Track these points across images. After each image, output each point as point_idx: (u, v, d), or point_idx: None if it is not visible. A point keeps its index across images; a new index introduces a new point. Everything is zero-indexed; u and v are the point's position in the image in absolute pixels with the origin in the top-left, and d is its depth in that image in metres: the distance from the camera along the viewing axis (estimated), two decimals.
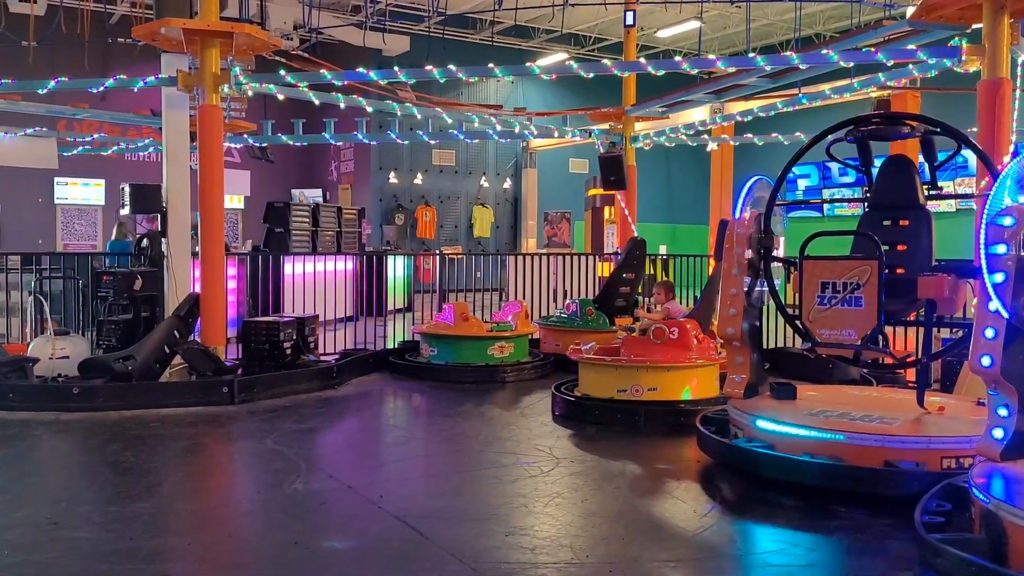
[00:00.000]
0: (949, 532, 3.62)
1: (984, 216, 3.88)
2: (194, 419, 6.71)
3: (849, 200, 19.33)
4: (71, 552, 3.82)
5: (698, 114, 14.87)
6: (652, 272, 12.99)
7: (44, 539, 3.95)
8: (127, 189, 8.95)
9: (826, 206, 20.22)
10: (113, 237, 13.34)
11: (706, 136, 15.12)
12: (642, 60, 13.38)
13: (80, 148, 14.67)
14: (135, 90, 9.32)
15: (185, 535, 4.19)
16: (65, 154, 14.81)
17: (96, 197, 20.53)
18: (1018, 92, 7.68)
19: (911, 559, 3.70)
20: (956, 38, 7.97)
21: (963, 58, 7.79)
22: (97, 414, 6.78)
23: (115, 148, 15.23)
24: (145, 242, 9.14)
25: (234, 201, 21.03)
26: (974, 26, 7.85)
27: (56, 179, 19.64)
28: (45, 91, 9.18)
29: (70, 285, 9.30)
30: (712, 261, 12.71)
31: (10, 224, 19.53)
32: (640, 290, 10.25)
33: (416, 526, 4.14)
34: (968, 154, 5.72)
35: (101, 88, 9.29)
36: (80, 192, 20.44)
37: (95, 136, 14.61)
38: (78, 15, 14.31)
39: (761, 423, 5.02)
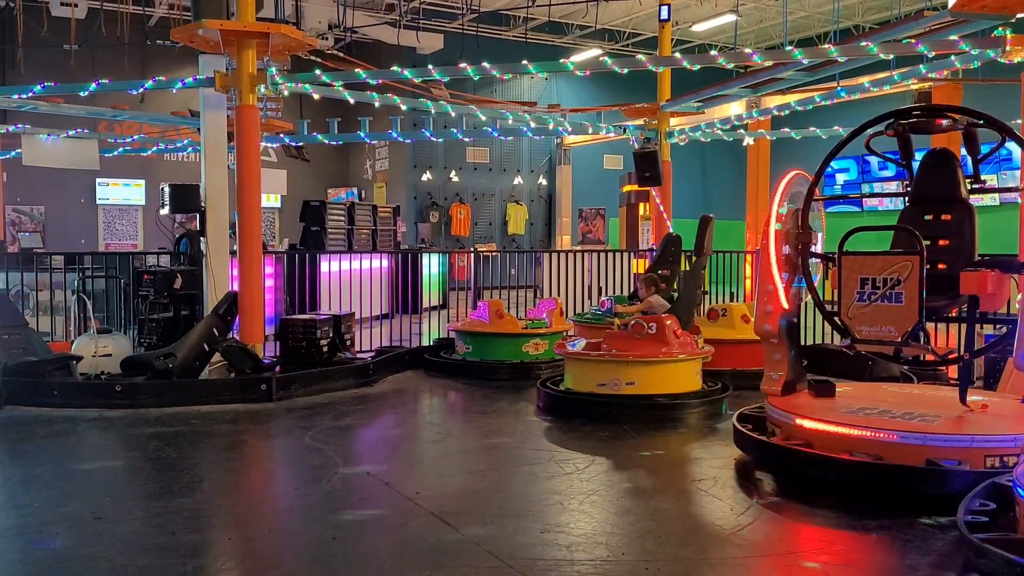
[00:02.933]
0: (993, 532, 3.55)
1: None
2: (233, 416, 6.79)
3: (889, 195, 19.05)
4: (115, 546, 3.88)
5: (734, 109, 14.77)
6: (688, 268, 12.90)
7: (89, 533, 4.03)
8: (167, 189, 9.07)
9: (865, 201, 19.99)
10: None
11: (742, 131, 15.00)
12: (677, 55, 13.28)
13: (121, 149, 14.91)
14: (174, 91, 9.47)
15: (225, 530, 4.24)
16: (106, 155, 15.06)
17: (136, 197, 20.87)
18: None
19: (954, 559, 3.64)
20: (1000, 28, 7.81)
21: (1007, 48, 7.63)
22: (139, 411, 6.90)
23: (155, 149, 15.46)
24: (184, 241, 9.27)
25: (271, 200, 21.27)
26: (1018, 15, 7.68)
27: (98, 180, 20.00)
28: (86, 93, 9.34)
29: (112, 284, 9.45)
30: (748, 257, 12.62)
31: (54, 224, 19.92)
32: (676, 286, 10.18)
33: (452, 522, 4.15)
34: (1012, 147, 5.60)
35: (141, 90, 9.44)
36: (121, 192, 20.79)
37: (135, 137, 14.83)
38: (118, 18, 14.54)
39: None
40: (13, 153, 13.58)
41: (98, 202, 20.59)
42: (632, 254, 12.82)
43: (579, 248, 19.59)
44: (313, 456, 5.62)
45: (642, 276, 9.05)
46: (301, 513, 4.51)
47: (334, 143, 13.62)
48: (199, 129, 9.31)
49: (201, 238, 8.87)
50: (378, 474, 5.12)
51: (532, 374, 8.54)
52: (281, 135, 13.31)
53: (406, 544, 3.93)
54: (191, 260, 8.96)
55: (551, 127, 13.50)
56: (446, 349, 9.43)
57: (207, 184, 8.81)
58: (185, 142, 14.82)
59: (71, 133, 13.39)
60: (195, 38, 8.37)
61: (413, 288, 11.28)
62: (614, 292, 11.37)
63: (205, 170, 8.87)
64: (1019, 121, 7.45)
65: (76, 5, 14.71)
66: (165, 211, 9.23)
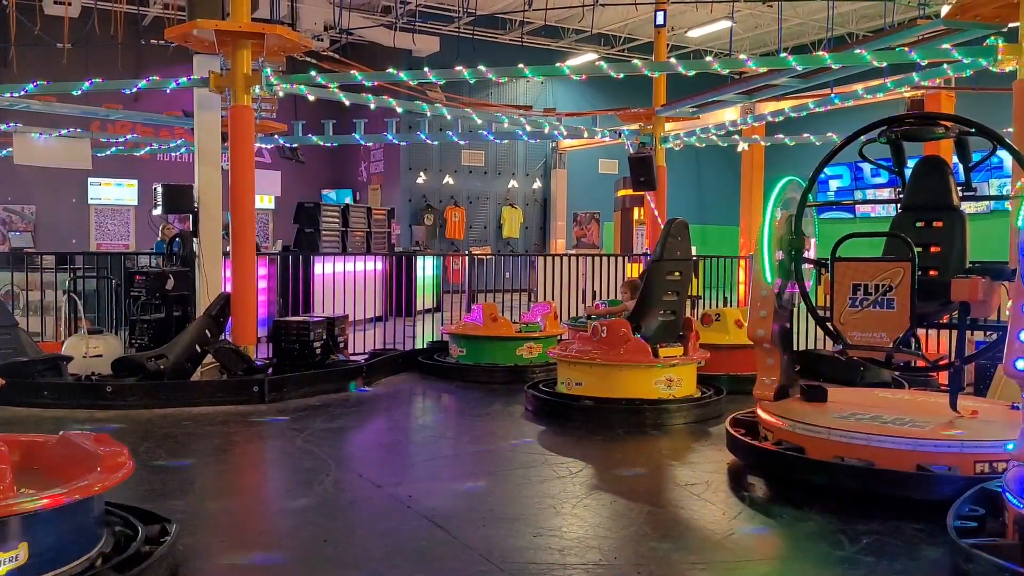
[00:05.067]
0: (982, 537, 3.57)
1: (1019, 217, 3.82)
2: (225, 418, 6.78)
3: (882, 201, 19.12)
4: None
5: (729, 114, 14.80)
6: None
7: None
8: (159, 189, 9.07)
9: (858, 207, 20.07)
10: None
11: (737, 136, 15.03)
12: (672, 60, 13.30)
13: (113, 149, 14.84)
14: (167, 91, 9.43)
15: (217, 533, 4.23)
16: (98, 155, 14.99)
17: (129, 197, 20.79)
18: None
19: (943, 564, 3.65)
20: (992, 37, 7.85)
21: (999, 57, 7.67)
22: (130, 412, 6.87)
23: (148, 149, 15.40)
24: (177, 242, 9.25)
25: (264, 201, 21.20)
26: (1010, 25, 7.73)
27: (90, 179, 19.91)
28: (79, 92, 9.31)
29: (103, 284, 9.42)
30: (742, 262, 12.65)
31: (45, 224, 19.85)
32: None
33: (445, 525, 4.15)
34: (1003, 155, 5.63)
35: (134, 89, 9.39)
36: (113, 192, 20.71)
37: (128, 137, 14.77)
38: (111, 17, 14.51)
39: None
40: (4, 152, 13.52)
41: (90, 202, 20.50)
42: (626, 259, 12.85)
43: (574, 252, 19.60)
44: (305, 458, 5.61)
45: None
46: (293, 515, 4.50)
47: (329, 145, 13.58)
48: (193, 129, 9.30)
49: (194, 239, 8.86)
50: (370, 477, 5.12)
51: (526, 377, 8.54)
52: (275, 136, 13.29)
53: (398, 547, 3.93)
54: (183, 261, 8.95)
55: (546, 131, 13.51)
56: (440, 352, 9.44)
57: (200, 185, 8.80)
58: (179, 142, 14.79)
59: (63, 132, 13.33)
60: (189, 38, 8.36)
61: (407, 291, 11.27)
62: (608, 296, 11.39)
63: (198, 171, 8.86)
64: (1010, 129, 7.49)
65: (70, 4, 14.67)
66: (158, 212, 9.22)
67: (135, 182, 20.52)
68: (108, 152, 14.94)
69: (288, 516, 4.52)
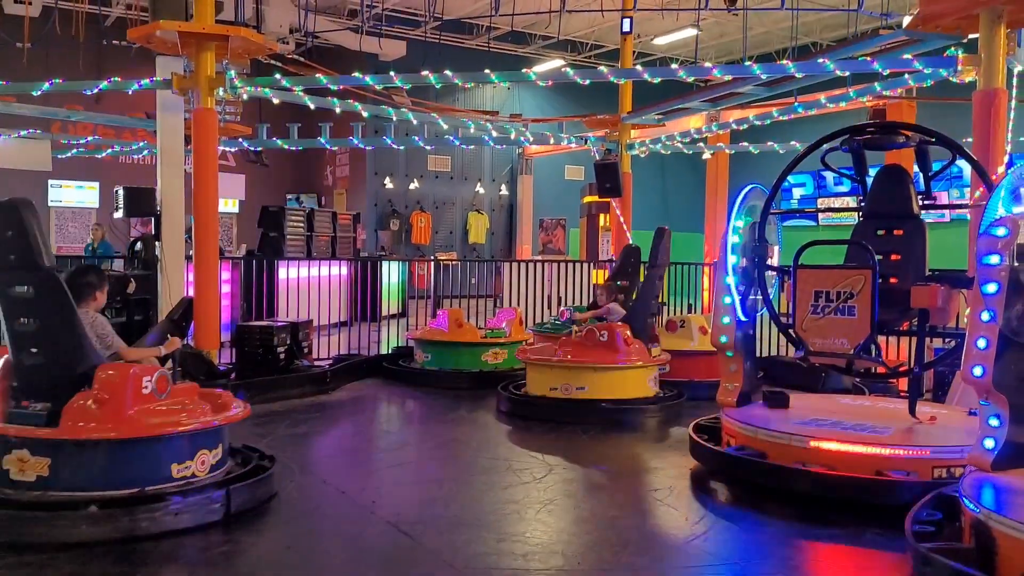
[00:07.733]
0: (939, 541, 3.61)
1: (979, 226, 3.88)
2: None
3: (844, 209, 19.36)
4: (66, 554, 3.79)
5: (694, 122, 14.91)
6: (643, 279, 12.94)
7: None
8: (121, 192, 8.93)
9: (820, 215, 20.32)
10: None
11: (702, 144, 15.15)
12: (638, 67, 13.40)
13: (74, 150, 14.64)
14: (130, 92, 9.29)
15: None
16: (59, 156, 14.77)
17: (90, 200, 20.48)
18: (1013, 102, 7.69)
19: (901, 568, 3.70)
20: (952, 48, 8.00)
21: (959, 68, 7.80)
22: None
23: (109, 151, 15.20)
24: (139, 245, 9.11)
25: (228, 205, 20.98)
26: (970, 36, 7.87)
27: (50, 181, 19.58)
28: (39, 93, 9.16)
29: None
30: (706, 269, 12.75)
31: None
32: (634, 296, 10.23)
33: (408, 531, 4.13)
34: (963, 164, 5.73)
35: (96, 90, 9.25)
36: (74, 195, 20.39)
37: (89, 138, 14.57)
38: (73, 17, 14.28)
39: None
40: None
41: (50, 204, 20.15)
42: (592, 265, 12.88)
43: (539, 258, 19.63)
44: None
45: (603, 284, 9.16)
46: (255, 522, 4.45)
47: (294, 148, 13.47)
48: (155, 131, 9.18)
49: (156, 242, 8.73)
50: (334, 482, 5.07)
51: (491, 383, 8.53)
52: (240, 139, 13.16)
53: (362, 553, 3.90)
54: (145, 264, 8.82)
55: (513, 136, 13.52)
56: (405, 358, 9.40)
57: (163, 188, 8.68)
58: (141, 144, 14.61)
59: (23, 133, 13.13)
60: (152, 39, 8.24)
61: (372, 296, 11.20)
62: (573, 302, 11.41)
63: (161, 173, 8.75)
64: (970, 139, 7.62)
65: (30, 3, 14.42)
66: (119, 214, 9.08)
67: (96, 184, 20.23)
68: (69, 154, 14.72)
69: (250, 522, 4.46)
